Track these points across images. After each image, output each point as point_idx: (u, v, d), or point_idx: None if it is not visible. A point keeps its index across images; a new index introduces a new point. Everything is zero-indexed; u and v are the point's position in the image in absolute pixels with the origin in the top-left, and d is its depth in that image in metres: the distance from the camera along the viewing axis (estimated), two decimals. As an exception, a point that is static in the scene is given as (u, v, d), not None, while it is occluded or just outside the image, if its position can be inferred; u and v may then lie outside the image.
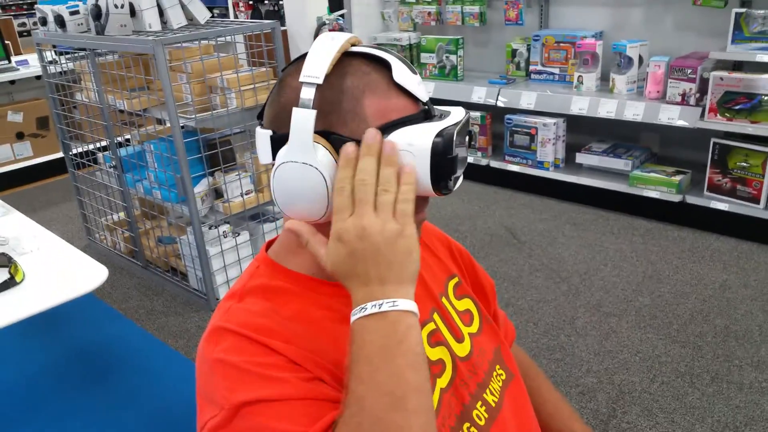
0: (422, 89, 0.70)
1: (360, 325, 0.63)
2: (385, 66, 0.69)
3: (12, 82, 4.42)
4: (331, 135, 0.67)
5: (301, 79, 0.65)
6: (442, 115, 0.70)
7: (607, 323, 2.43)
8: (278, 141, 0.68)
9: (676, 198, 3.08)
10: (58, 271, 1.52)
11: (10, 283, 1.45)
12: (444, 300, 0.87)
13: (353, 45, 0.70)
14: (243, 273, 0.80)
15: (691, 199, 3.05)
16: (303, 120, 0.65)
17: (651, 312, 2.48)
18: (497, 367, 0.87)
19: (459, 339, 0.84)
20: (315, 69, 0.66)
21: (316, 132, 0.65)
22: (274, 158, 0.69)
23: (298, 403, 0.64)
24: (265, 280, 0.76)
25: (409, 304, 0.63)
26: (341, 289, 0.76)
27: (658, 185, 3.12)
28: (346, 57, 0.68)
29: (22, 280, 1.47)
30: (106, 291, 2.95)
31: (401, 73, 0.68)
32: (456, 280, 0.92)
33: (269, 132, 0.69)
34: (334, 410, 0.64)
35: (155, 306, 2.80)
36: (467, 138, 0.73)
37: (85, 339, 2.64)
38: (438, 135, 0.65)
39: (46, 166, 4.44)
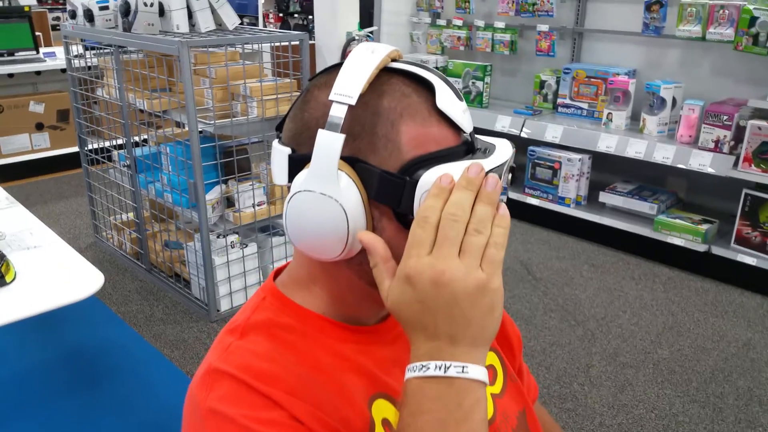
0: (467, 118, 0.61)
1: (417, 386, 0.53)
2: (428, 88, 0.60)
3: (38, 72, 4.42)
4: (357, 162, 0.58)
5: (332, 96, 0.57)
6: (487, 150, 0.61)
7: (623, 374, 2.31)
8: (297, 162, 0.60)
9: (702, 247, 2.96)
10: (53, 274, 1.44)
11: (-1, 282, 1.38)
12: None
13: (394, 60, 0.61)
14: (246, 303, 0.70)
15: (717, 250, 2.94)
16: (329, 144, 0.56)
17: (669, 366, 2.36)
18: None
19: None
20: (349, 86, 0.57)
21: (341, 158, 0.57)
22: (290, 180, 0.60)
23: None
24: (270, 314, 0.67)
25: (480, 373, 0.53)
26: (356, 333, 0.67)
27: (683, 232, 3.01)
28: (384, 73, 0.60)
29: (13, 279, 1.39)
30: (106, 292, 2.88)
31: (446, 99, 0.59)
32: None
33: (288, 150, 0.61)
34: None
35: (155, 312, 2.71)
36: (510, 175, 0.64)
37: (79, 341, 2.56)
38: None
39: (62, 159, 4.41)
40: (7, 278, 1.40)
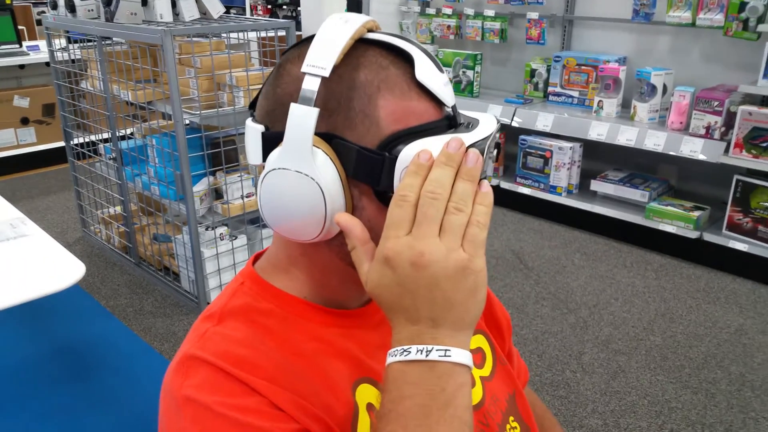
0: (449, 91, 0.58)
1: (398, 370, 0.51)
2: (407, 60, 0.57)
3: (21, 66, 4.35)
4: (334, 139, 0.55)
5: (304, 68, 0.54)
6: (470, 124, 0.58)
7: (615, 361, 2.30)
8: (271, 140, 0.57)
9: (693, 234, 2.96)
10: (33, 265, 1.42)
11: (-23, 274, 1.35)
12: None
13: (370, 30, 0.59)
14: (224, 290, 0.67)
15: (709, 237, 2.93)
16: (302, 119, 0.53)
17: (662, 353, 2.35)
18: (511, 419, 0.75)
19: None
20: (321, 58, 0.54)
21: (316, 134, 0.54)
22: (264, 159, 0.58)
23: None
24: (249, 299, 0.64)
25: (464, 356, 0.51)
26: (338, 317, 0.65)
27: (675, 219, 3.00)
28: (360, 44, 0.57)
29: (-8, 270, 1.37)
30: (95, 286, 2.84)
31: (426, 71, 0.57)
32: None
33: (261, 128, 0.58)
34: None
35: (144, 305, 2.68)
36: (495, 152, 0.62)
37: (68, 334, 2.53)
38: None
39: (49, 154, 4.35)
40: (-14, 270, 1.37)
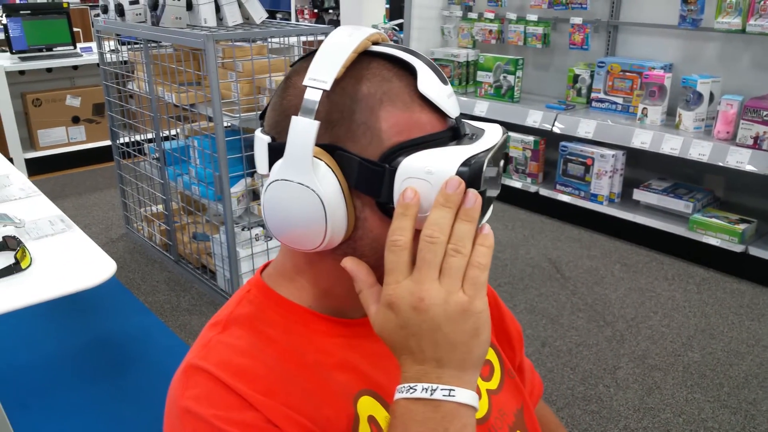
0: (453, 102, 0.58)
1: (405, 407, 0.52)
2: (411, 72, 0.57)
3: (75, 67, 4.52)
4: (336, 150, 0.56)
5: (306, 81, 0.55)
6: (474, 135, 0.58)
7: (651, 377, 2.24)
8: (276, 150, 0.58)
9: (738, 248, 2.85)
10: (67, 262, 1.47)
11: (14, 269, 1.40)
12: None
13: (375, 43, 0.59)
14: (232, 297, 0.69)
15: (755, 251, 2.83)
16: (303, 131, 0.54)
17: (700, 370, 2.28)
18: None
19: None
20: (323, 71, 0.55)
21: (318, 145, 0.55)
22: (270, 169, 0.59)
23: None
24: (254, 308, 0.65)
25: (469, 396, 0.52)
26: (343, 327, 0.66)
27: (719, 232, 2.91)
28: (364, 57, 0.57)
29: (28, 266, 1.43)
30: (135, 283, 2.93)
31: (428, 82, 0.57)
32: None
33: (268, 138, 0.59)
34: None
35: (181, 302, 2.75)
36: (503, 162, 0.61)
37: (106, 328, 2.62)
38: (464, 164, 0.53)
39: (98, 152, 4.51)
40: (23, 264, 1.42)
